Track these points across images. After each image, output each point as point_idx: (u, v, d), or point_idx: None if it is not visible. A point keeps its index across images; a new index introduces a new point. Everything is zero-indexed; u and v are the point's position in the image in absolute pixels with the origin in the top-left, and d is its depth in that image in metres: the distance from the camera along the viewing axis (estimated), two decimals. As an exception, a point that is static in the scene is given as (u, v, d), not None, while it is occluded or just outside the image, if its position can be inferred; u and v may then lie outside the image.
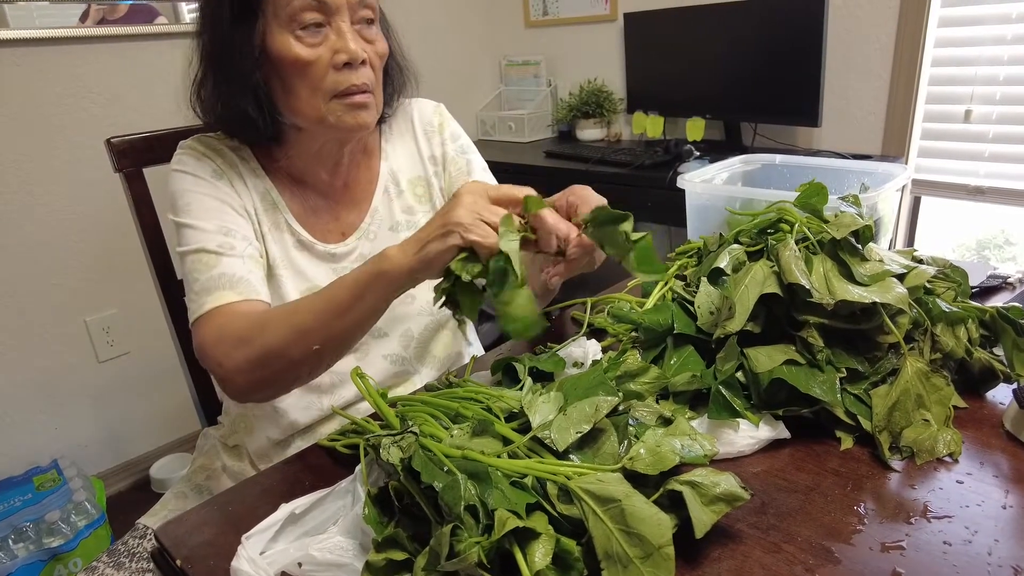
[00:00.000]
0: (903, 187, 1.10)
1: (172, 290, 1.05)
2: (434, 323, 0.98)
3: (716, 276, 0.73)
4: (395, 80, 0.95)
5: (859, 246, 0.69)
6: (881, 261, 0.68)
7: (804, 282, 0.64)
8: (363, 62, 0.82)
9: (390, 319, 0.94)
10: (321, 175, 0.93)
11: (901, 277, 0.68)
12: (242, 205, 0.88)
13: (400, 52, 0.95)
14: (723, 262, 0.72)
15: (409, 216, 1.00)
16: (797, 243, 0.68)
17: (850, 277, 0.66)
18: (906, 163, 1.96)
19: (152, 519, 0.93)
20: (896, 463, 0.60)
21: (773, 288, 0.66)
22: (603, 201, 0.69)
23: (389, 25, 0.91)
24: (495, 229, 0.62)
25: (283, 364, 0.72)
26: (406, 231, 0.98)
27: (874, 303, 0.64)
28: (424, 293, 0.94)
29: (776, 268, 0.67)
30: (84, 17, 1.84)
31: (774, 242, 0.70)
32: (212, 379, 1.11)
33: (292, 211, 0.92)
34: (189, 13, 2.03)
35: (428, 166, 1.01)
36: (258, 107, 0.83)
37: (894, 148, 1.98)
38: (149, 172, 1.03)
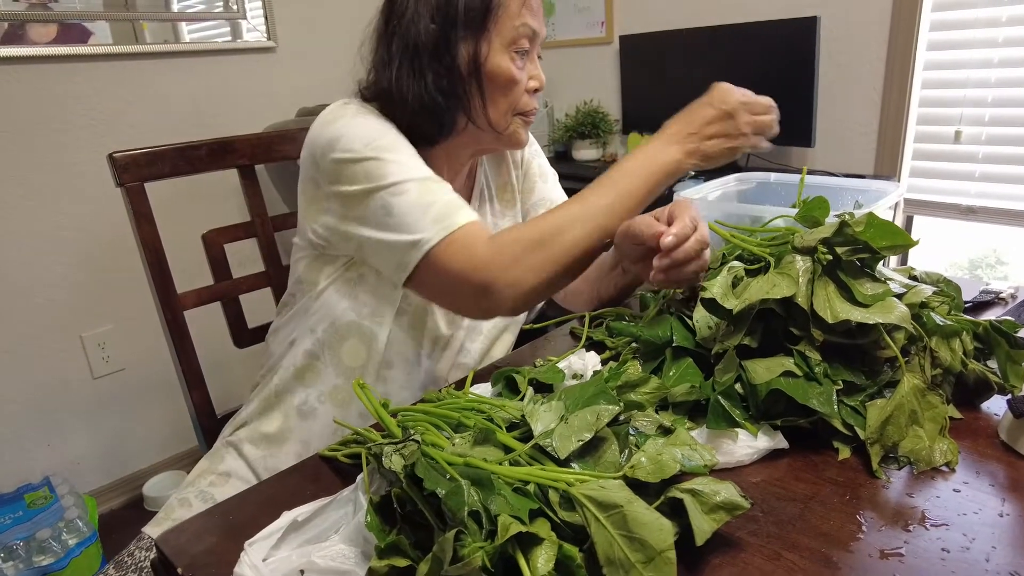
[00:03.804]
0: (896, 206, 1.12)
1: (170, 306, 1.05)
2: (495, 329, 1.01)
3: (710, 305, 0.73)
4: None
5: (867, 269, 0.69)
6: (885, 281, 0.69)
7: (806, 304, 0.65)
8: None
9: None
10: (444, 176, 0.94)
11: (899, 295, 0.69)
12: None
13: None
14: (716, 289, 0.71)
15: (497, 220, 1.04)
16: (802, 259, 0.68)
17: (851, 297, 0.67)
18: (898, 183, 1.98)
19: (156, 528, 0.92)
20: (893, 473, 0.61)
21: (771, 303, 0.67)
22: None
23: None
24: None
25: (579, 260, 0.79)
26: None
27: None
28: None
29: (776, 284, 0.68)
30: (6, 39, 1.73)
31: (772, 260, 0.71)
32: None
33: None
34: (190, 33, 2.06)
35: (512, 171, 1.07)
36: (465, 115, 0.89)
37: (886, 168, 2.01)
38: (150, 187, 1.03)
